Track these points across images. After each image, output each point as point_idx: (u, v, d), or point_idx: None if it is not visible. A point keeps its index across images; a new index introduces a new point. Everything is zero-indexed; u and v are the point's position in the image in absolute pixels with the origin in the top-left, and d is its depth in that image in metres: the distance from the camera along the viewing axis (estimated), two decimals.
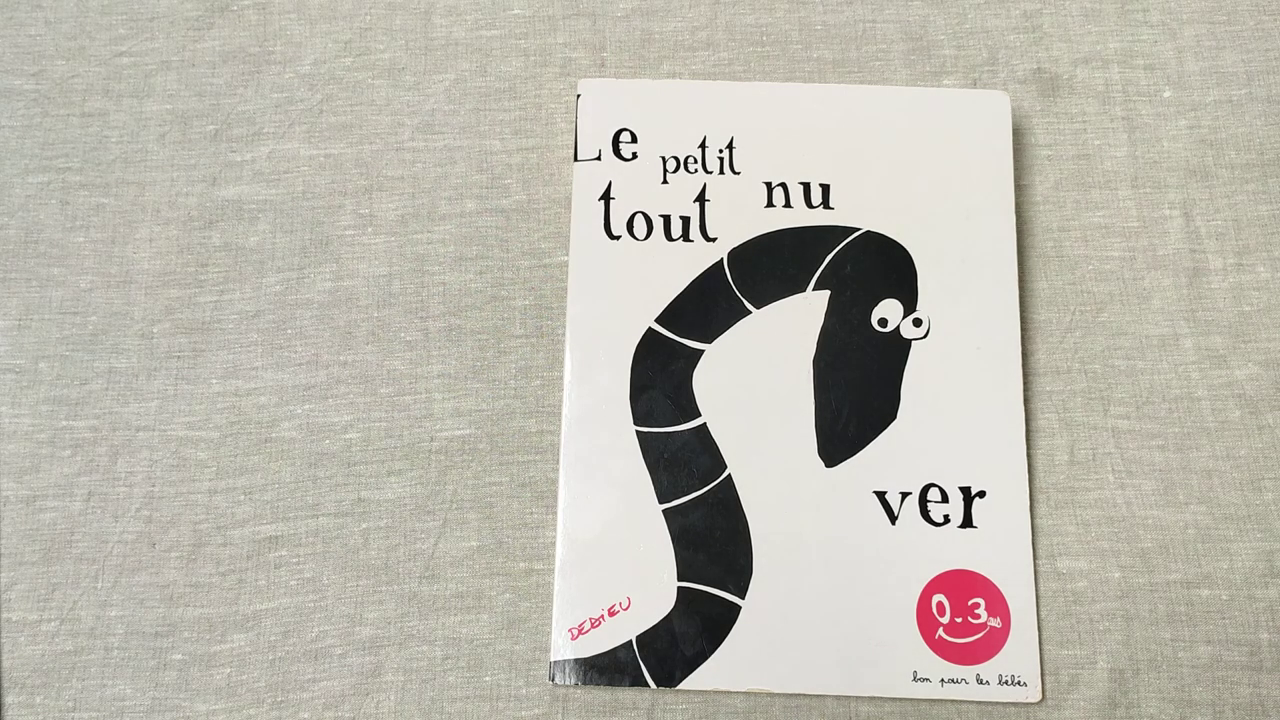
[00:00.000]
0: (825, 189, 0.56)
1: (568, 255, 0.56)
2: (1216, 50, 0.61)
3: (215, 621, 0.53)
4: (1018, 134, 0.58)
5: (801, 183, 0.57)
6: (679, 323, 0.55)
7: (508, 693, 0.52)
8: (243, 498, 0.54)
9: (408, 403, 0.55)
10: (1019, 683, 0.52)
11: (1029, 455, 0.54)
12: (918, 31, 0.61)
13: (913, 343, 0.55)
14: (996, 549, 0.53)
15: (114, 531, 0.54)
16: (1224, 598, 0.53)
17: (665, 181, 0.57)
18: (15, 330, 0.56)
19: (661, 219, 0.56)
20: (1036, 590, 0.53)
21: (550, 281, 0.57)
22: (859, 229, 0.56)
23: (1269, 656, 0.52)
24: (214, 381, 0.56)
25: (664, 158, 0.57)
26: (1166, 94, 0.60)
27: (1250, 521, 0.54)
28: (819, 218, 0.56)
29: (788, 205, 0.56)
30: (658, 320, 0.55)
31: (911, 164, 0.57)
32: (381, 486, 0.54)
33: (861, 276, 0.55)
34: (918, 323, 0.55)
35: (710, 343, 0.55)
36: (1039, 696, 0.51)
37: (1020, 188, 0.58)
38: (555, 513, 0.53)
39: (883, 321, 0.55)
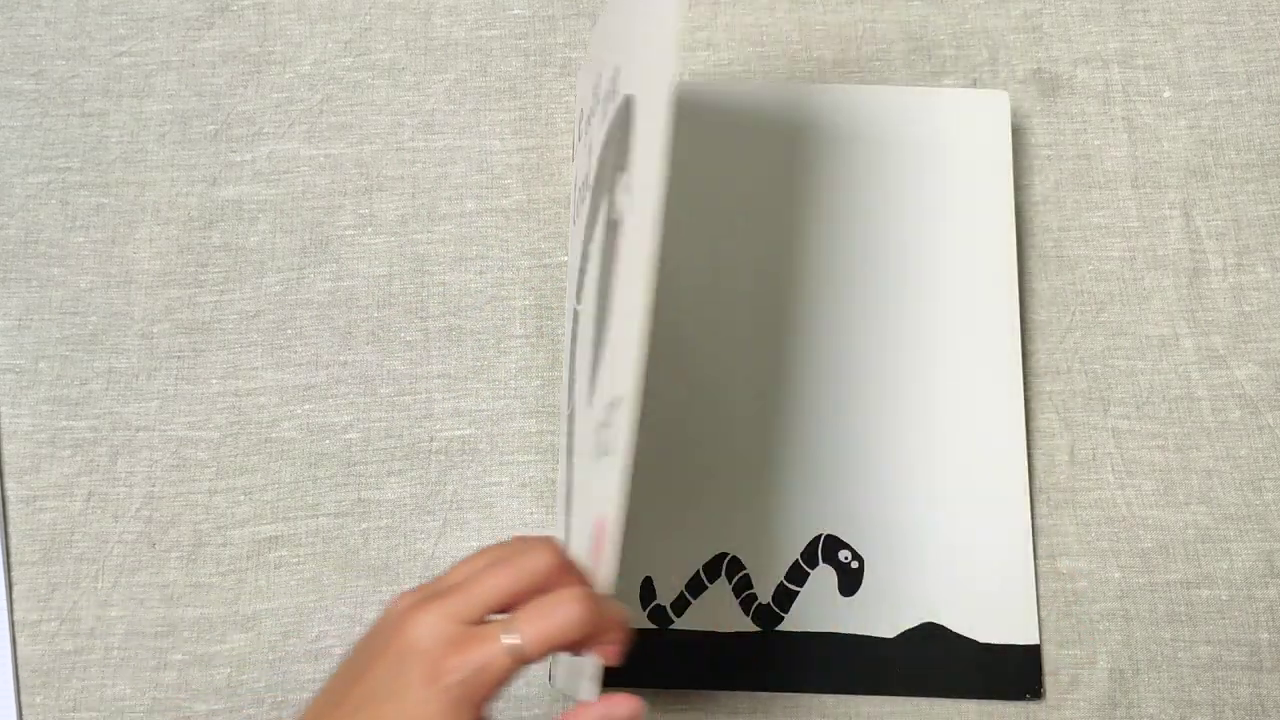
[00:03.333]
0: None
1: (568, 255, 0.56)
2: (1216, 50, 0.61)
3: (215, 621, 0.53)
4: (1018, 134, 0.58)
5: None
6: None
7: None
8: (243, 498, 0.54)
9: (408, 403, 0.55)
10: None
11: (1029, 455, 0.54)
12: (918, 31, 0.61)
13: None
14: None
15: (114, 531, 0.54)
16: (1224, 598, 0.53)
17: None
18: (15, 330, 0.56)
19: None
20: (1037, 590, 0.53)
21: (550, 281, 0.57)
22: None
23: (1269, 656, 0.52)
24: (214, 381, 0.56)
25: None
26: (1166, 94, 0.60)
27: (1250, 521, 0.54)
28: None
29: None
30: None
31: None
32: (381, 486, 0.54)
33: None
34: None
35: None
36: (1041, 696, 0.51)
37: (1020, 188, 0.58)
38: (555, 513, 0.53)
39: None
